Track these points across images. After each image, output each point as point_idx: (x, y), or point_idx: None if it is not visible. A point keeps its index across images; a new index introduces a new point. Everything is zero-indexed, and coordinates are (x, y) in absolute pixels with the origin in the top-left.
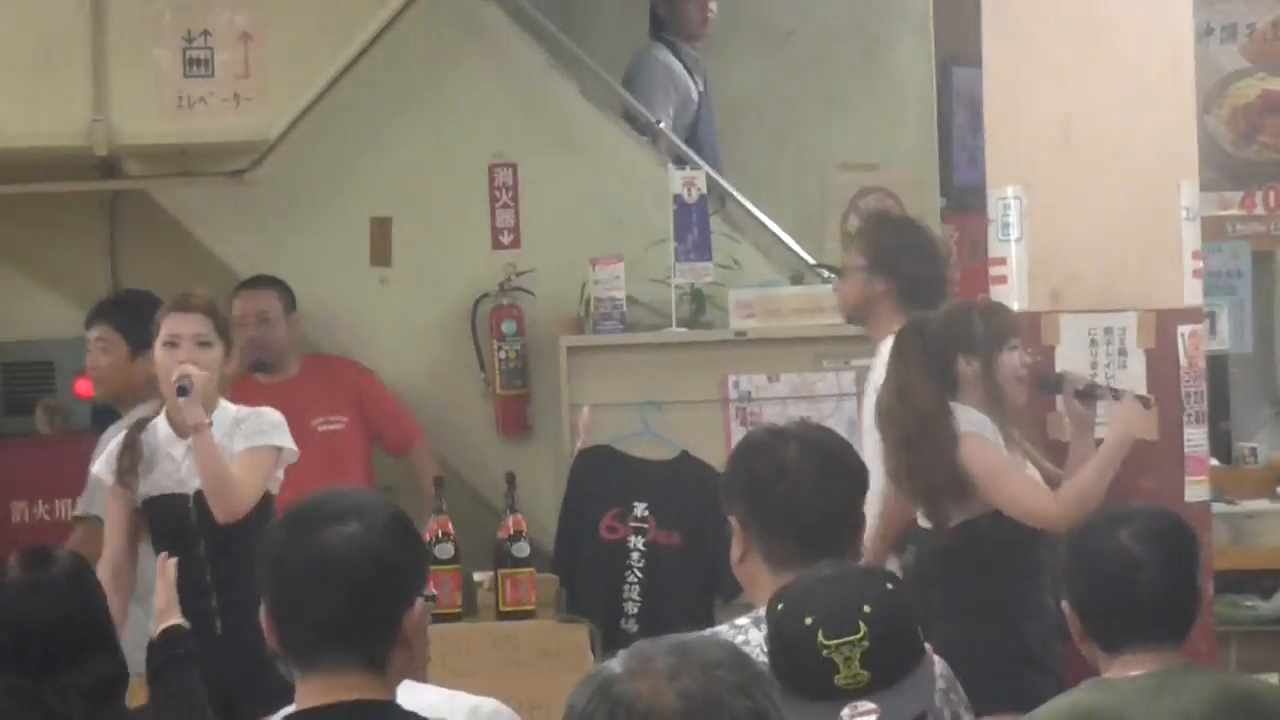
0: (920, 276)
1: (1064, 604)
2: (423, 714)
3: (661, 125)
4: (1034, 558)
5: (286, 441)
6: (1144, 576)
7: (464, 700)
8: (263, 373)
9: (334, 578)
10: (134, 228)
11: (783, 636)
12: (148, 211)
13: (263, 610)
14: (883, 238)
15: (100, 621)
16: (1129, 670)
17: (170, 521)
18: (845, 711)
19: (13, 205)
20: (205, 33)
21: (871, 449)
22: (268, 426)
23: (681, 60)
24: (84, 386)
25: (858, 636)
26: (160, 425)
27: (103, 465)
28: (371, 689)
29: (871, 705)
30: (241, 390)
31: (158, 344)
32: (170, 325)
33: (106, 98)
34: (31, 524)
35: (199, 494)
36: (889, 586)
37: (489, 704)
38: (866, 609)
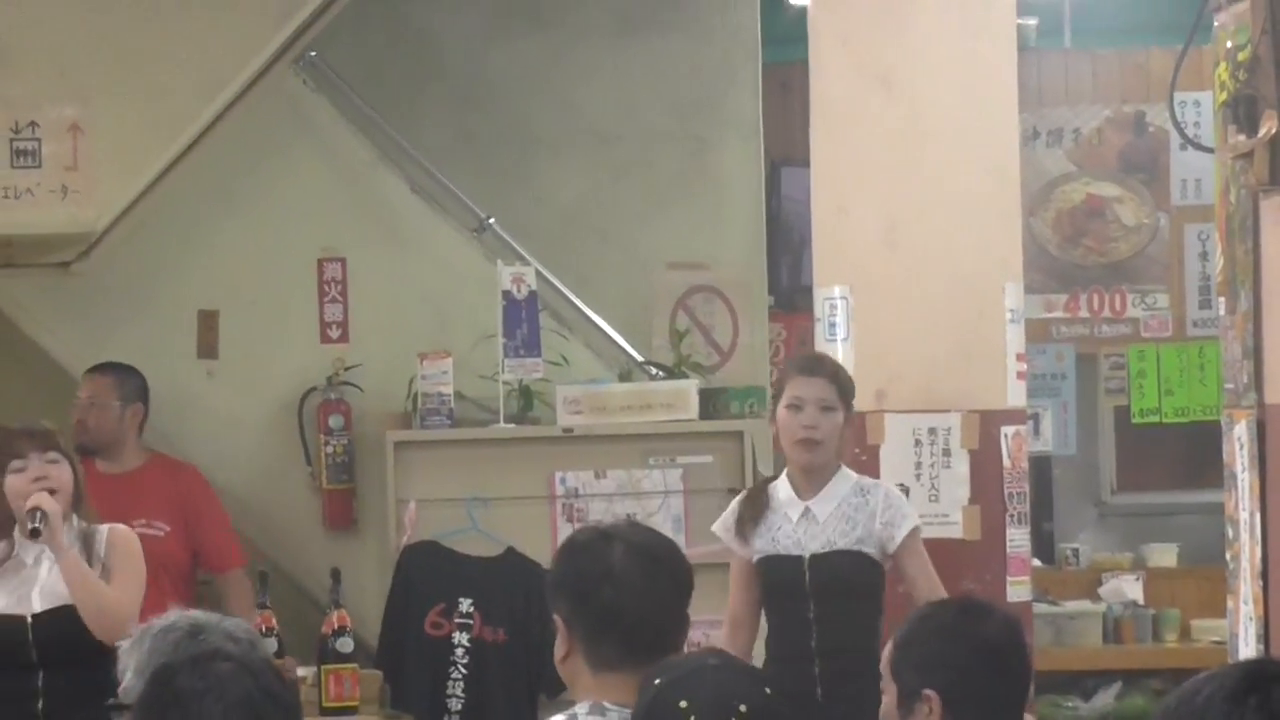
0: None
1: (926, 693)
2: None
3: (491, 221)
4: None
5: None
6: (1017, 663)
7: None
8: (98, 458)
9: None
10: None
11: (652, 713)
12: None
13: None
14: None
15: None
16: None
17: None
18: None
19: None
20: (33, 124)
21: None
22: (135, 547)
23: None
24: None
25: None
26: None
27: None
28: None
29: None
30: None
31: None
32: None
33: None
34: None
35: (41, 616)
36: (767, 691)
37: None
38: (743, 709)
